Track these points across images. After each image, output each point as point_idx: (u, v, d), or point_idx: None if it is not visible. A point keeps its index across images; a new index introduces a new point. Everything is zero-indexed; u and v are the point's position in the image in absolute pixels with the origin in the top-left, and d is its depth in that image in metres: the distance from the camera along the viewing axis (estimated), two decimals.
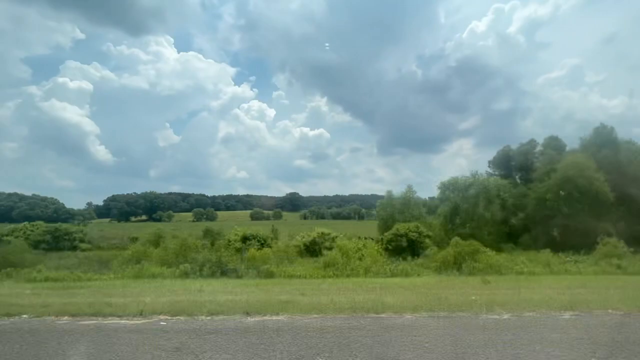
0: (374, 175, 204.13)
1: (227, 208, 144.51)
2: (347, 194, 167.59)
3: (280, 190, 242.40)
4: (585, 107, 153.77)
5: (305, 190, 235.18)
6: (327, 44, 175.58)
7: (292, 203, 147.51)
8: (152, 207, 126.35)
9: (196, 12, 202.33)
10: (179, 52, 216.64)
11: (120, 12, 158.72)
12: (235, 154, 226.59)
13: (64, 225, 44.56)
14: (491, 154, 39.05)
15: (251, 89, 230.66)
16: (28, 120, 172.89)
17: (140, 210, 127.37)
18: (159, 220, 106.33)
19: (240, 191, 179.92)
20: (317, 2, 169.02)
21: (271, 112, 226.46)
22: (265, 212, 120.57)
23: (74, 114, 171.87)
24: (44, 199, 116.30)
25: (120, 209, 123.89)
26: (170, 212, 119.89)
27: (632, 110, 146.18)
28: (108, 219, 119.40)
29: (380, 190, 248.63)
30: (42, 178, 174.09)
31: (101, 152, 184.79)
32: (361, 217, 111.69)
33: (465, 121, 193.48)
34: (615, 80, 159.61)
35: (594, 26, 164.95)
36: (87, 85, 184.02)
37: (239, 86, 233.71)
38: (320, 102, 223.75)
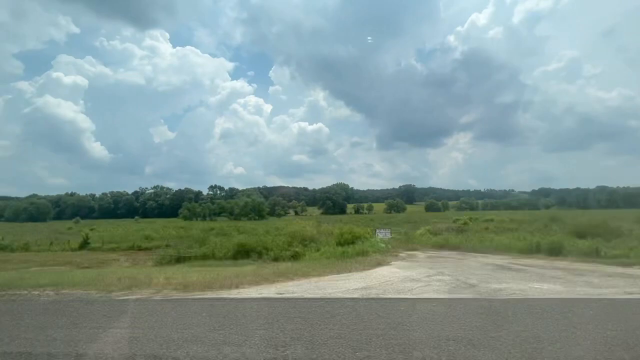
0: (371, 170, 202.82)
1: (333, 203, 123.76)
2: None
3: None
4: (584, 100, 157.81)
5: (304, 184, 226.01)
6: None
7: (408, 195, 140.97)
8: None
9: (204, 5, 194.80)
10: (174, 47, 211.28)
11: (129, 4, 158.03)
12: (232, 150, 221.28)
13: None
14: (488, 147, 32.19)
15: (249, 84, 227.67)
16: (20, 117, 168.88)
17: None
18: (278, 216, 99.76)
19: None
20: None
21: (268, 107, 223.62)
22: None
23: (68, 110, 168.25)
24: (198, 193, 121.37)
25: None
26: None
27: (629, 102, 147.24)
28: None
29: (376, 185, 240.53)
30: (34, 176, 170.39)
31: (97, 148, 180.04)
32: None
33: (467, 114, 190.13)
34: (612, 73, 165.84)
35: (592, 19, 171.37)
36: (82, 81, 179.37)
37: (236, 81, 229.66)
38: (319, 97, 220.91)
